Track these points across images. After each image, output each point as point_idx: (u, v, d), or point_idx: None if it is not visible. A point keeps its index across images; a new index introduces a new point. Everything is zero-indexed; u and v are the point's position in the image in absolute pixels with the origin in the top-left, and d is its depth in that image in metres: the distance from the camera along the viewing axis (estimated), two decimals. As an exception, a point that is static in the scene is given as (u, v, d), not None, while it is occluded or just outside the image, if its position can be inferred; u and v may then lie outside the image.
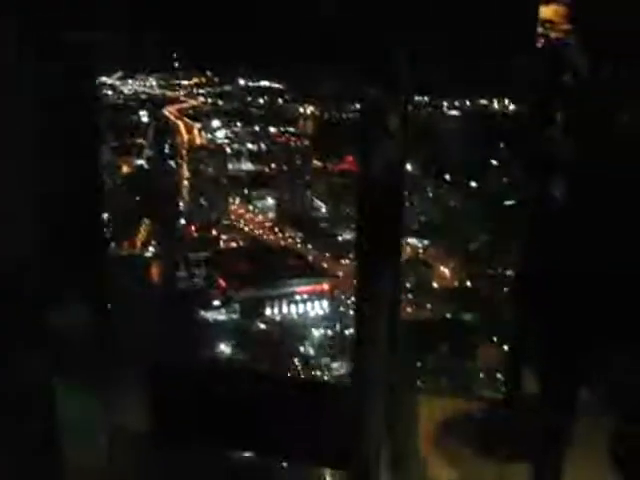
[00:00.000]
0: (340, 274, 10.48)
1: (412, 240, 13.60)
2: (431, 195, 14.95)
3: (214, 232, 13.97)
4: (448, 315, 11.70)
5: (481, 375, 8.04)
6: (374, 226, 2.76)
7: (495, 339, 9.34)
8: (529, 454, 3.68)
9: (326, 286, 10.43)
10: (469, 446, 3.79)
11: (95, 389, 3.21)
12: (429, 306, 12.89)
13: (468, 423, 3.93)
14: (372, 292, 2.78)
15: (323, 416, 3.17)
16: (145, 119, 19.25)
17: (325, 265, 11.33)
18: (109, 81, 19.56)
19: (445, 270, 13.41)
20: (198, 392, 3.46)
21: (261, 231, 14.41)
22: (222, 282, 10.47)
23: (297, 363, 8.45)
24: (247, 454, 3.92)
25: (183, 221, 14.28)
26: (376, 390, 2.78)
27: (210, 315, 9.82)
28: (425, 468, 3.60)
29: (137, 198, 15.26)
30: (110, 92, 19.39)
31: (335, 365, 7.11)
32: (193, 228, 13.52)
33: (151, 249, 11.97)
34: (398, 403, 3.07)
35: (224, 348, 8.56)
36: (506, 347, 5.19)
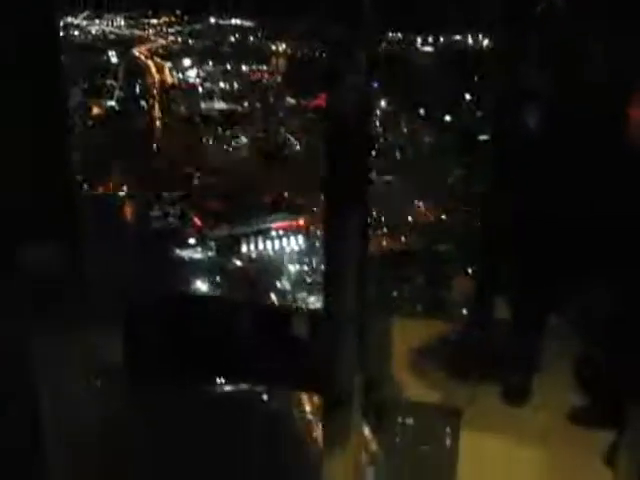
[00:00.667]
0: (315, 209, 10.55)
1: (387, 177, 13.61)
2: (405, 130, 14.91)
3: (188, 170, 13.93)
4: (423, 247, 11.78)
5: (456, 304, 8.09)
6: (342, 161, 2.78)
7: (470, 271, 9.41)
8: (500, 376, 3.77)
9: (302, 222, 10.50)
10: (442, 368, 3.86)
11: (71, 328, 3.22)
12: (404, 239, 12.99)
13: (441, 346, 4.00)
14: (341, 227, 2.82)
15: (297, 342, 3.21)
16: (114, 60, 18.92)
17: (301, 201, 11.39)
18: (76, 21, 19.17)
19: (420, 204, 13.46)
20: (173, 324, 3.49)
21: (235, 169, 14.36)
22: (197, 220, 10.51)
23: (274, 298, 8.56)
24: (225, 383, 3.97)
25: (156, 160, 14.22)
26: (348, 318, 2.83)
27: (186, 254, 9.86)
28: (399, 391, 3.66)
29: (109, 139, 15.12)
30: (77, 33, 19.01)
31: (312, 299, 7.21)
32: (166, 166, 13.45)
33: (124, 189, 11.93)
34: (372, 327, 3.13)
35: (200, 285, 8.64)
36: (480, 275, 5.25)
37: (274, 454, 5.82)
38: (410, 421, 3.60)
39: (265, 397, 6.63)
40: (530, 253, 3.80)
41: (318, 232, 10.32)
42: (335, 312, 2.87)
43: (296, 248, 10.22)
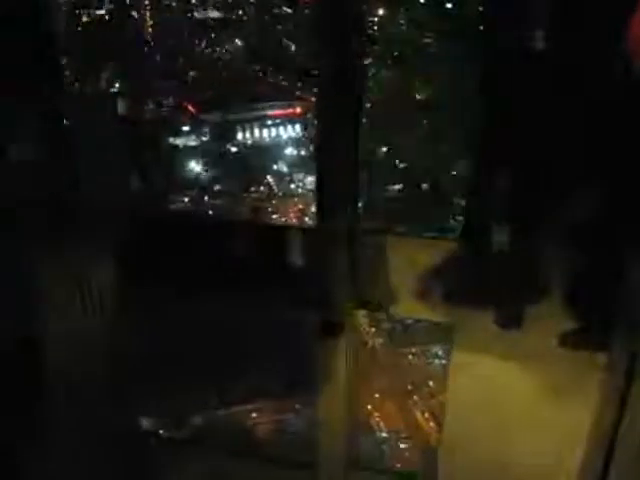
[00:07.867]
0: (312, 99, 10.34)
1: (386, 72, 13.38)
2: (403, 23, 14.61)
3: (180, 68, 13.71)
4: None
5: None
6: (335, 52, 2.70)
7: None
8: (494, 301, 3.74)
9: (298, 109, 10.32)
10: (437, 288, 3.84)
11: (60, 243, 3.12)
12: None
13: (437, 266, 3.98)
14: (334, 117, 2.77)
15: (288, 259, 3.21)
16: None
17: (297, 93, 11.24)
18: None
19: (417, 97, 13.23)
20: (165, 239, 3.42)
21: (229, 67, 14.12)
22: (191, 108, 10.30)
23: (270, 179, 8.48)
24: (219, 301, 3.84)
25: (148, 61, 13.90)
26: (341, 236, 2.78)
27: (180, 141, 9.77)
28: (392, 306, 3.68)
29: (100, 43, 14.82)
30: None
31: (309, 179, 7.10)
32: (158, 59, 13.18)
33: (117, 86, 11.71)
34: (365, 245, 3.08)
35: (195, 169, 8.57)
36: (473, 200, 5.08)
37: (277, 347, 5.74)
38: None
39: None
40: (524, 164, 3.77)
41: (315, 121, 10.22)
42: (328, 230, 2.86)
43: (293, 135, 10.12)
